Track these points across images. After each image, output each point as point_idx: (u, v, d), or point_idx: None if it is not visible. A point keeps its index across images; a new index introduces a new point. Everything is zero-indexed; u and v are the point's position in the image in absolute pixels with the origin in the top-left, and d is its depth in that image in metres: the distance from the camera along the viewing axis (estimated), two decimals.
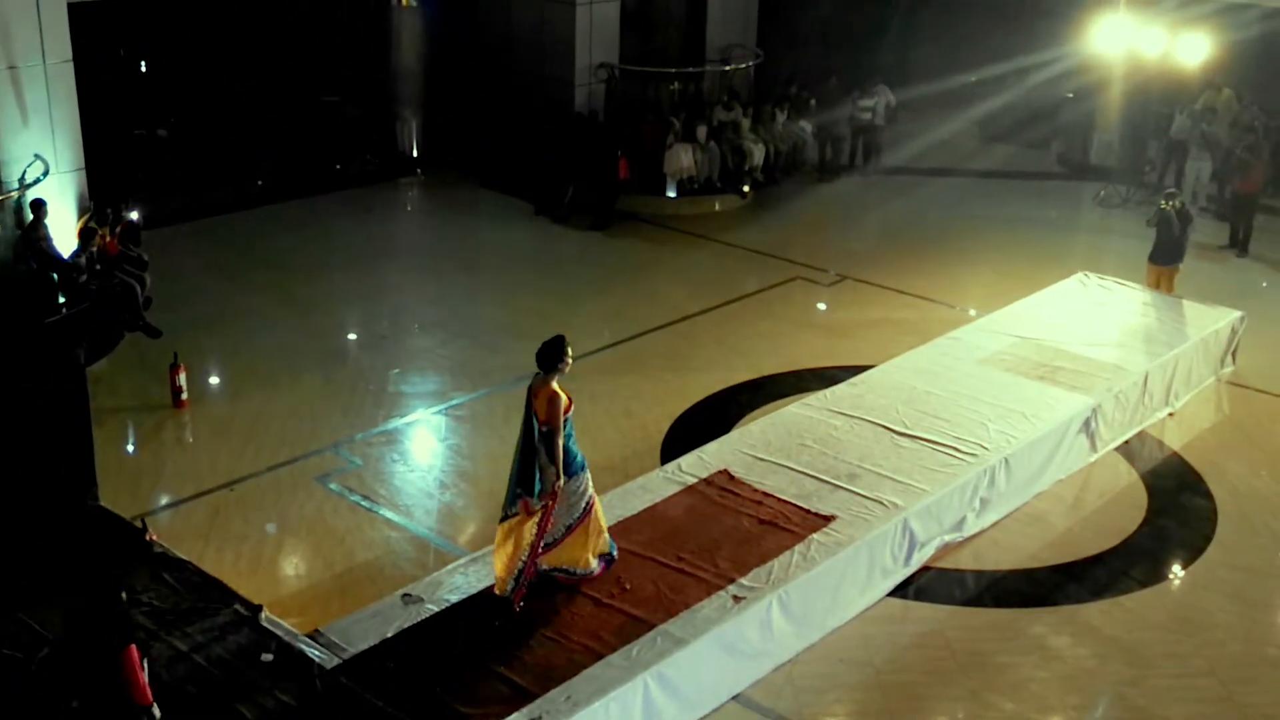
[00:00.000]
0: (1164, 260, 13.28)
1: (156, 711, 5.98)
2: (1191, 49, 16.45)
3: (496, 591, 7.87)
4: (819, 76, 19.58)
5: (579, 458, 7.92)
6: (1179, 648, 8.55)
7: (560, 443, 7.65)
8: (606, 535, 8.20)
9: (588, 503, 8.02)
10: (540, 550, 7.83)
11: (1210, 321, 12.42)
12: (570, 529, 7.96)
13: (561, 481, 7.72)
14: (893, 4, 21.97)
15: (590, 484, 8.04)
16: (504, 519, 7.88)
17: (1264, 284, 15.07)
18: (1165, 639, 8.65)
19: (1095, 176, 19.10)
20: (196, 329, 13.09)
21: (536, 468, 7.73)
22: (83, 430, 8.95)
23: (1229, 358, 12.58)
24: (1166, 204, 13.11)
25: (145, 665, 5.72)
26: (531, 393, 7.76)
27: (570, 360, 7.77)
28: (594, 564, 8.09)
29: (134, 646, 5.79)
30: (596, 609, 7.85)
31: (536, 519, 7.78)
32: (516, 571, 7.79)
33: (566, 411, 7.72)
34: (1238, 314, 12.60)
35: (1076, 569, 9.39)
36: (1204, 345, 12.15)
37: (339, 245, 16.12)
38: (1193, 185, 17.66)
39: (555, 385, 7.71)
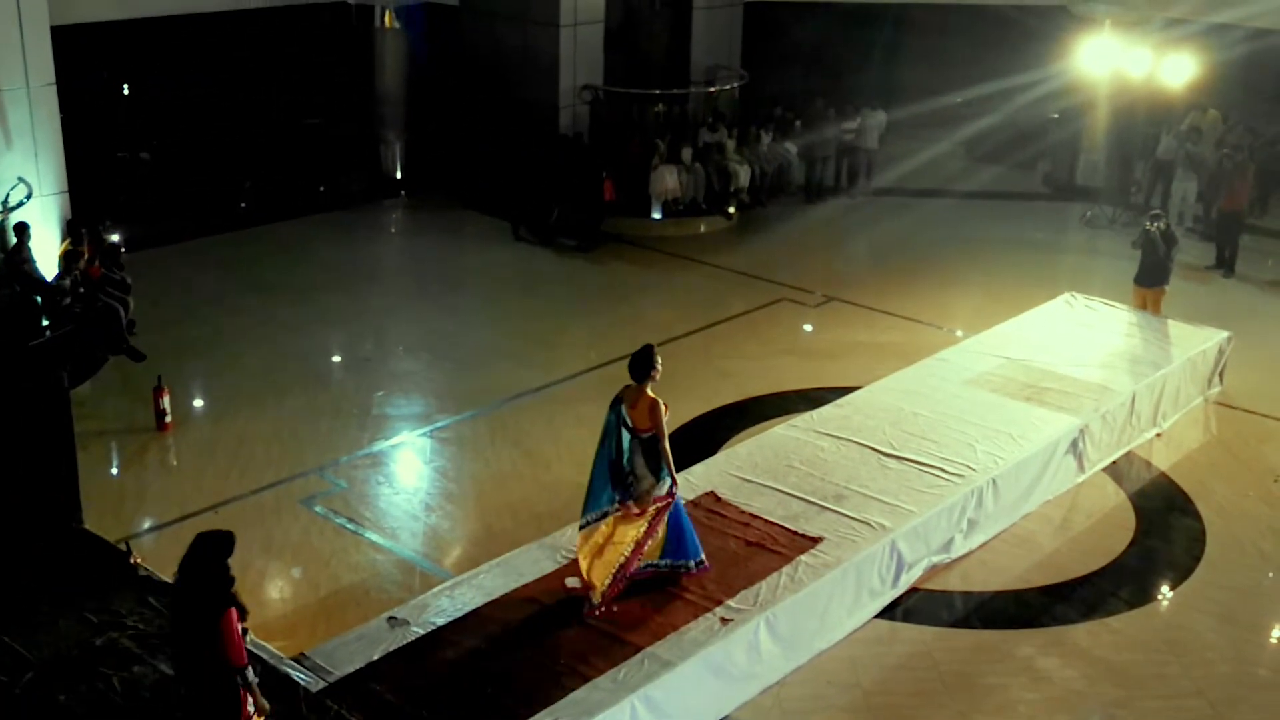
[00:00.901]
0: (1149, 282, 13.24)
1: (250, 673, 6.23)
2: (1177, 70, 16.57)
3: (593, 597, 7.93)
4: (805, 98, 19.63)
5: (666, 468, 8.11)
6: (1167, 669, 8.52)
7: (666, 447, 7.94)
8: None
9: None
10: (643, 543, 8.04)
11: (1198, 342, 12.44)
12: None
13: (672, 485, 8.04)
14: (879, 25, 22.07)
15: None
16: (585, 525, 8.04)
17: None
18: (1154, 660, 8.63)
19: (1082, 197, 19.19)
20: (180, 351, 13.04)
21: (632, 474, 7.98)
22: (66, 453, 8.88)
23: (1216, 378, 12.60)
24: (1151, 225, 13.10)
25: (244, 629, 6.14)
26: (622, 403, 8.05)
27: (660, 368, 8.04)
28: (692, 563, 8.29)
29: (234, 610, 6.08)
30: (583, 631, 7.80)
31: (640, 522, 8.02)
32: (616, 567, 7.95)
33: (665, 415, 7.98)
34: (1225, 334, 12.63)
35: (1065, 590, 9.37)
36: (1191, 365, 12.17)
37: (323, 267, 16.08)
38: (1179, 206, 17.73)
39: (651, 392, 7.98)
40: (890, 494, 9.40)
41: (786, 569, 8.45)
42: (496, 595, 8.16)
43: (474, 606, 8.01)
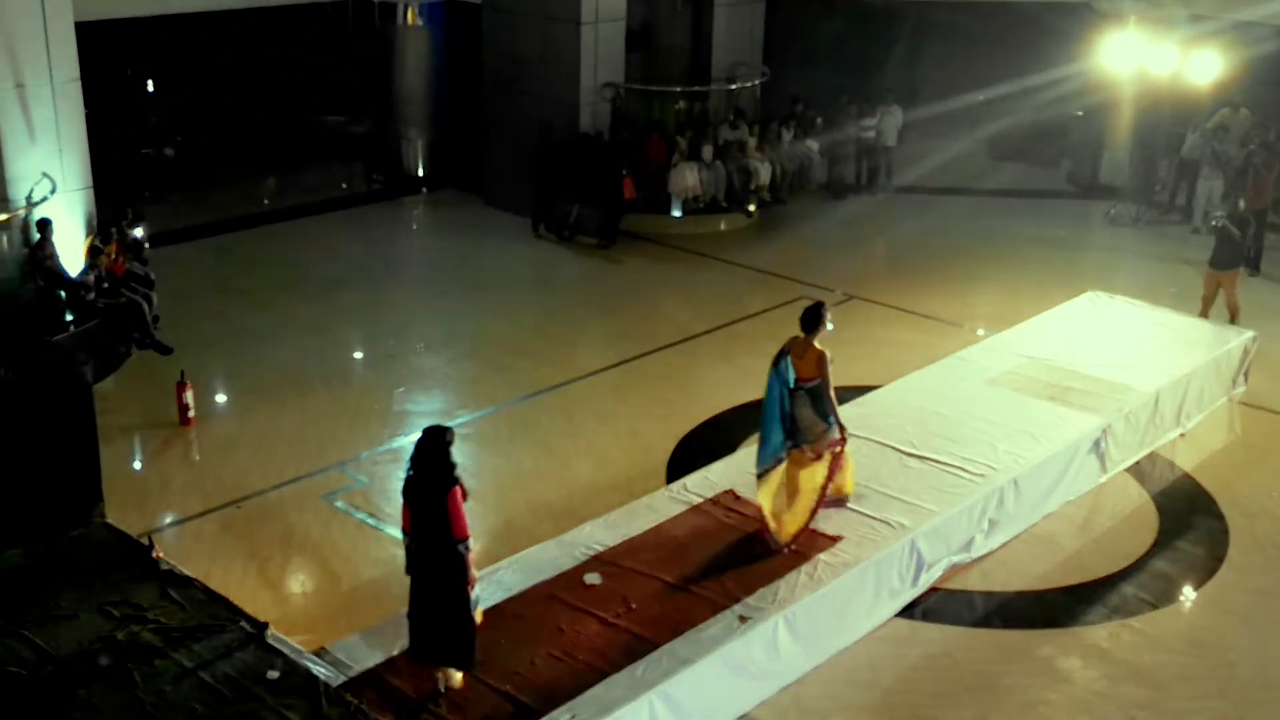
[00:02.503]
0: (1225, 265, 13.45)
1: (471, 544, 7.00)
2: (1201, 67, 16.44)
3: (780, 539, 8.60)
4: (827, 95, 19.58)
5: (832, 413, 8.73)
6: (1190, 670, 8.48)
7: (832, 394, 8.60)
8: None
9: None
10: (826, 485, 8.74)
11: (1222, 341, 12.35)
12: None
13: (841, 430, 8.69)
14: (901, 23, 21.98)
15: None
16: (762, 473, 8.65)
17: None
18: (1176, 661, 8.58)
19: (1105, 195, 19.07)
20: (203, 347, 13.11)
21: (799, 421, 8.60)
22: (89, 447, 8.93)
23: (1241, 378, 12.50)
24: (1222, 216, 13.53)
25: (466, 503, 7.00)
26: (788, 354, 8.63)
27: (829, 323, 8.68)
28: (852, 488, 9.12)
29: (458, 489, 6.93)
30: (602, 628, 7.81)
31: (818, 465, 8.67)
32: (809, 512, 8.63)
33: (830, 365, 8.62)
34: (1250, 334, 12.53)
35: (1086, 590, 9.32)
36: (1215, 365, 12.08)
37: (345, 264, 16.15)
38: (1204, 204, 17.60)
39: (818, 344, 8.58)
40: (910, 493, 9.37)
41: (805, 567, 8.44)
42: (515, 591, 8.18)
43: (493, 603, 8.00)
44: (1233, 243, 13.43)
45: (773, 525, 8.67)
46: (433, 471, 7.00)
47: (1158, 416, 11.28)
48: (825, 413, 8.69)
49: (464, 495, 7.01)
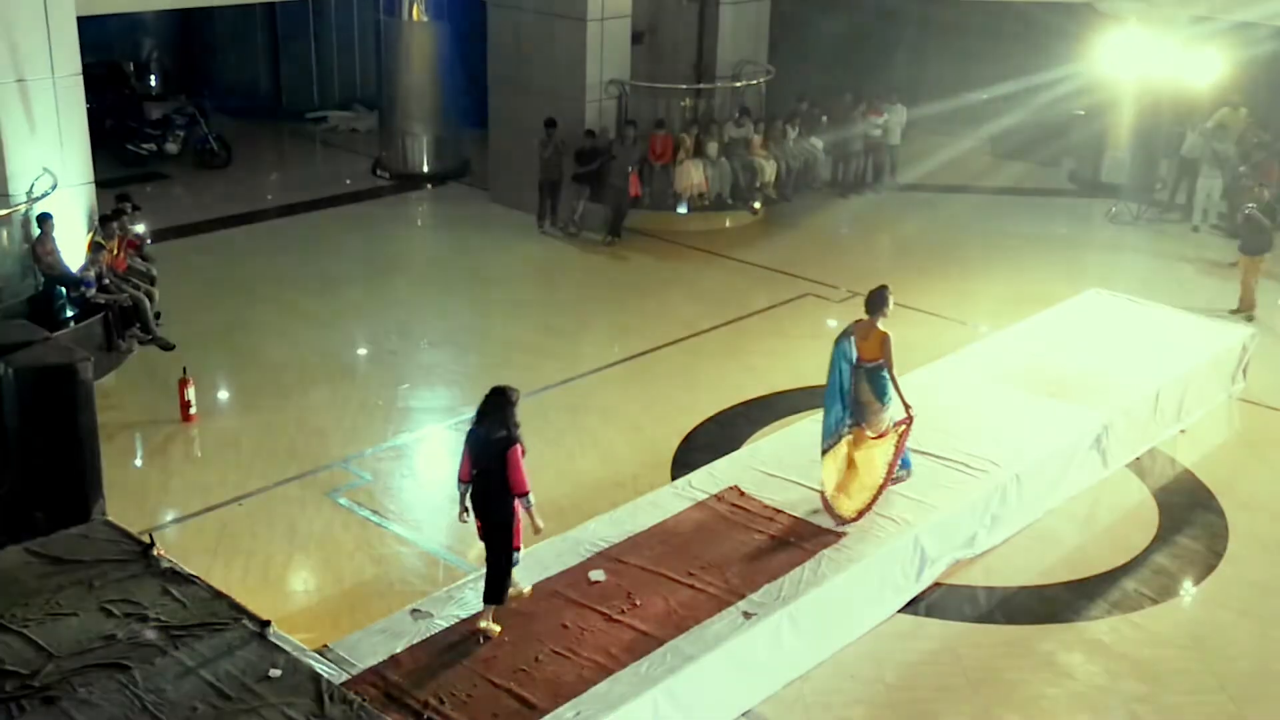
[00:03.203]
0: (1254, 250, 14.40)
1: (532, 498, 7.51)
2: (1201, 67, 16.47)
3: (841, 514, 8.88)
4: (832, 93, 19.59)
5: (890, 392, 9.09)
6: (1190, 664, 8.51)
7: (895, 374, 8.96)
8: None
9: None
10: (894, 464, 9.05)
11: (1221, 338, 12.38)
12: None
13: (907, 409, 8.98)
14: (904, 22, 21.98)
15: None
16: (825, 450, 8.98)
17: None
18: (1176, 656, 8.61)
19: (1107, 194, 19.08)
20: (205, 343, 13.12)
21: (857, 400, 8.95)
22: (90, 444, 8.93)
23: (1240, 374, 12.52)
24: (1250, 209, 14.50)
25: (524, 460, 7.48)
26: (851, 335, 9.00)
27: (892, 306, 9.02)
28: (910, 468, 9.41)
29: (518, 446, 7.43)
30: (606, 624, 7.83)
31: (881, 444, 8.97)
32: (875, 490, 8.90)
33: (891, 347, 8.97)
34: (1249, 330, 12.57)
35: (1088, 586, 9.36)
36: (1215, 362, 12.11)
37: (348, 260, 16.15)
38: (1203, 203, 17.63)
39: (881, 326, 8.90)
40: (914, 489, 9.39)
41: (809, 563, 8.46)
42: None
43: None
44: (1261, 230, 14.25)
45: (834, 501, 8.93)
46: (496, 427, 7.46)
47: (1158, 412, 11.31)
48: (882, 393, 9.01)
49: (523, 452, 7.46)
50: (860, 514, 8.92)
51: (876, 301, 9.06)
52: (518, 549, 7.67)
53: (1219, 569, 9.64)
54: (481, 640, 7.61)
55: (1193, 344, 12.23)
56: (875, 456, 9.01)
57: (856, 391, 9.02)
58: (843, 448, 9.03)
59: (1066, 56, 18.56)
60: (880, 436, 9.05)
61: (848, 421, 9.01)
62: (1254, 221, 14.37)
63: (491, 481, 7.50)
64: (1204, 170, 17.61)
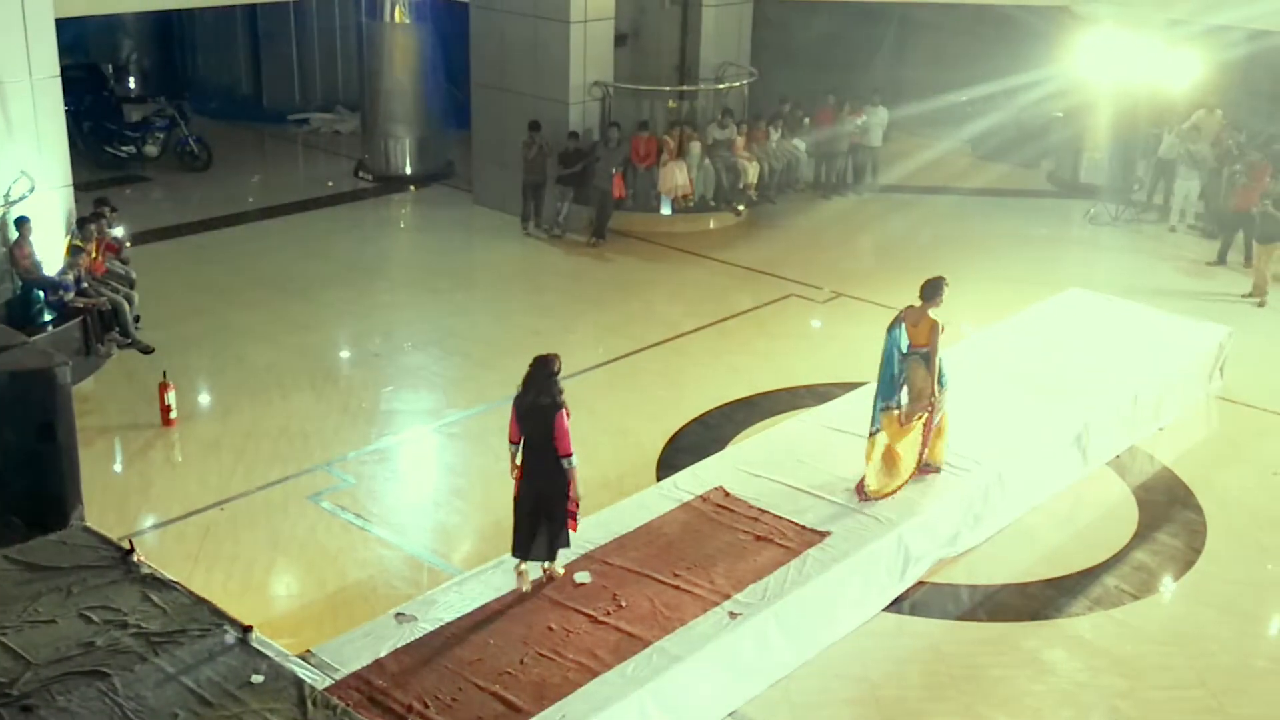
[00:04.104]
0: (1268, 239, 15.10)
1: (575, 460, 8.01)
2: (1178, 69, 16.60)
3: (875, 493, 9.23)
4: (814, 95, 19.65)
5: (945, 375, 9.41)
6: (1170, 660, 8.58)
7: (938, 361, 9.23)
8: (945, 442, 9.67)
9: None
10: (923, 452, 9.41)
11: (1199, 337, 12.48)
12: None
13: (941, 392, 9.36)
14: (885, 24, 22.06)
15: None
16: (873, 432, 9.28)
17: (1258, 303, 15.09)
18: (1157, 651, 8.68)
19: (1085, 194, 19.19)
20: (186, 346, 13.06)
21: (912, 383, 9.23)
22: (69, 449, 8.86)
23: (1218, 373, 12.61)
24: (1267, 201, 15.18)
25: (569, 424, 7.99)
26: (903, 321, 9.28)
27: (945, 296, 9.27)
28: (945, 460, 9.66)
29: (564, 411, 7.94)
30: (592, 626, 7.83)
31: (910, 433, 9.28)
32: (907, 472, 9.31)
33: (942, 334, 9.26)
34: (1226, 329, 12.66)
35: (1069, 583, 9.41)
36: (1193, 360, 12.20)
37: (331, 262, 16.10)
38: (1181, 203, 17.75)
39: (933, 314, 9.18)
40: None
41: (794, 563, 8.49)
42: (504, 591, 8.18)
43: (482, 602, 8.04)
44: (1275, 221, 14.93)
45: (869, 482, 9.27)
46: (542, 393, 7.97)
47: (1137, 411, 11.38)
48: (929, 378, 9.27)
49: (568, 415, 7.97)
50: (886, 496, 9.26)
51: (930, 289, 9.34)
52: (575, 503, 8.15)
53: (1198, 565, 9.71)
54: (526, 589, 8.15)
55: (1171, 343, 12.32)
56: (908, 447, 9.39)
57: (911, 376, 9.27)
58: (885, 434, 9.31)
59: (1045, 59, 18.67)
60: (906, 423, 9.34)
61: (892, 404, 9.29)
62: (1270, 215, 15.05)
63: (538, 445, 7.99)
64: (1180, 172, 17.73)
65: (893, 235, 17.72)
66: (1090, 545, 9.91)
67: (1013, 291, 14.60)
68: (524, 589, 8.15)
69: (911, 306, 9.39)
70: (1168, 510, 10.50)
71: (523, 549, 8.16)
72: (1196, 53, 16.65)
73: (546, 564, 8.29)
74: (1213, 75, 17.23)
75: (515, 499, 8.18)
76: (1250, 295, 15.13)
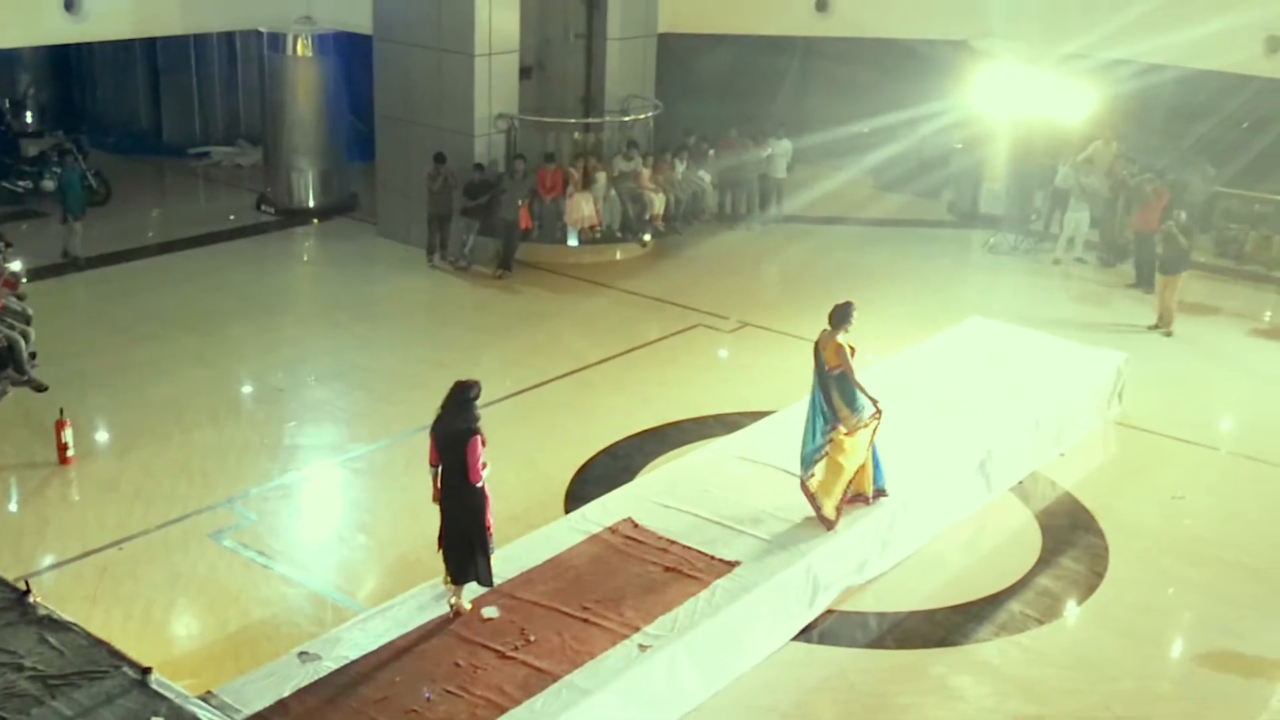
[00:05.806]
0: (1173, 270, 15.24)
1: (486, 489, 8.12)
2: (1072, 102, 17.07)
3: (829, 518, 9.39)
4: (719, 127, 19.84)
5: (858, 398, 9.48)
6: (1075, 684, 8.70)
7: (856, 379, 9.40)
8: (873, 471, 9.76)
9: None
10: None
11: (1097, 364, 12.78)
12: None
13: (874, 406, 9.51)
14: (788, 56, 22.37)
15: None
16: (807, 469, 9.47)
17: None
18: (1062, 676, 8.80)
19: (985, 224, 19.61)
20: (84, 383, 12.74)
21: (832, 404, 9.42)
22: None
23: (1116, 398, 12.92)
24: (1171, 223, 15.31)
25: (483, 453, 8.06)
26: (819, 346, 9.50)
27: (854, 322, 9.46)
28: (870, 490, 9.76)
29: (478, 438, 8.00)
30: (500, 661, 7.75)
31: (857, 438, 9.44)
32: (840, 494, 9.43)
33: (852, 356, 9.39)
34: (1122, 356, 12.97)
35: (975, 609, 9.53)
36: (1091, 387, 12.48)
37: (233, 296, 15.84)
38: (1071, 233, 18.15)
39: (840, 338, 9.40)
40: (805, 516, 9.47)
41: (704, 594, 8.49)
42: (410, 628, 8.08)
43: (388, 639, 7.92)
44: (1179, 249, 15.12)
45: (822, 504, 9.40)
46: (457, 418, 8.04)
47: (1039, 437, 11.61)
48: (850, 399, 9.43)
49: (483, 443, 8.03)
50: (838, 512, 9.41)
51: (838, 314, 9.54)
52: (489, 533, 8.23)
53: (1100, 589, 9.89)
54: (455, 614, 8.19)
55: (1070, 370, 12.60)
56: (850, 453, 9.46)
57: (828, 397, 9.46)
58: (823, 463, 9.45)
59: (946, 91, 19.05)
60: (850, 434, 9.44)
61: (828, 429, 9.43)
62: (1172, 240, 15.19)
63: (454, 470, 8.06)
64: (1071, 203, 18.15)
65: (797, 265, 17.93)
66: (995, 571, 10.05)
67: (914, 320, 14.85)
68: (464, 607, 8.23)
69: (824, 330, 9.59)
70: (1070, 535, 10.68)
71: (458, 575, 8.24)
72: (1091, 86, 17.13)
73: (453, 599, 8.24)
74: (1107, 108, 17.74)
75: (440, 526, 8.23)
76: (1157, 326, 15.40)
